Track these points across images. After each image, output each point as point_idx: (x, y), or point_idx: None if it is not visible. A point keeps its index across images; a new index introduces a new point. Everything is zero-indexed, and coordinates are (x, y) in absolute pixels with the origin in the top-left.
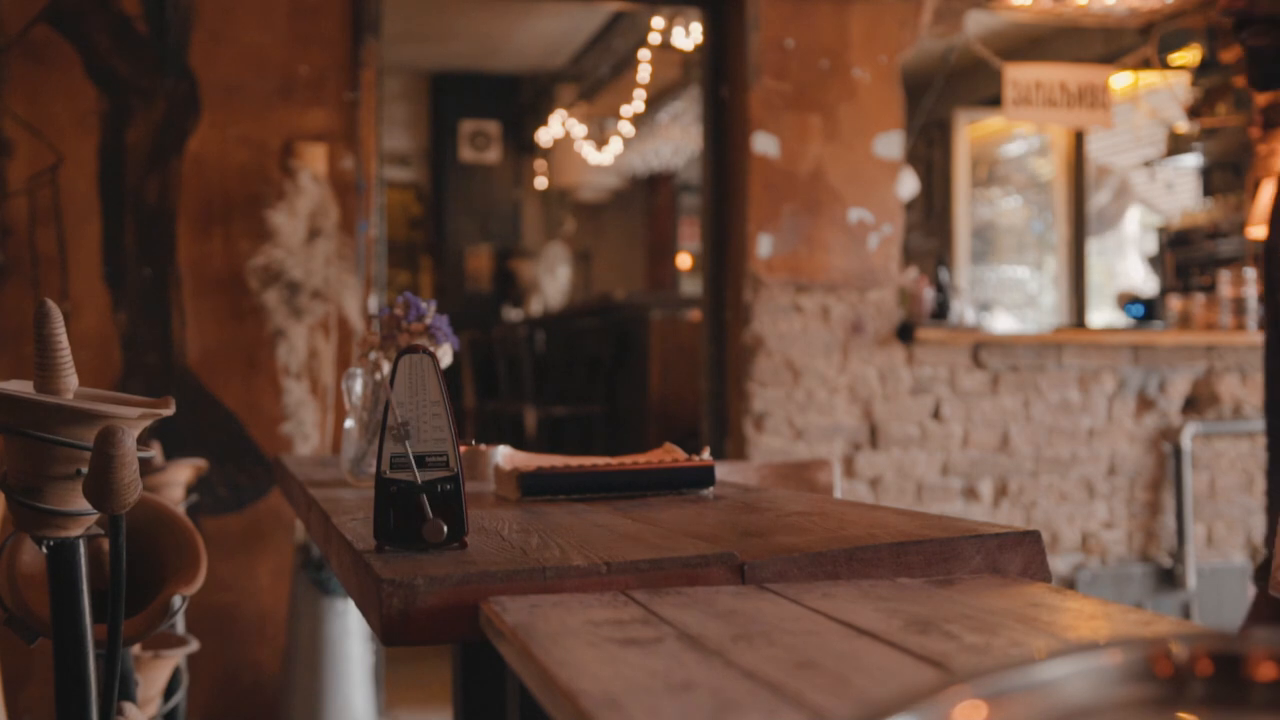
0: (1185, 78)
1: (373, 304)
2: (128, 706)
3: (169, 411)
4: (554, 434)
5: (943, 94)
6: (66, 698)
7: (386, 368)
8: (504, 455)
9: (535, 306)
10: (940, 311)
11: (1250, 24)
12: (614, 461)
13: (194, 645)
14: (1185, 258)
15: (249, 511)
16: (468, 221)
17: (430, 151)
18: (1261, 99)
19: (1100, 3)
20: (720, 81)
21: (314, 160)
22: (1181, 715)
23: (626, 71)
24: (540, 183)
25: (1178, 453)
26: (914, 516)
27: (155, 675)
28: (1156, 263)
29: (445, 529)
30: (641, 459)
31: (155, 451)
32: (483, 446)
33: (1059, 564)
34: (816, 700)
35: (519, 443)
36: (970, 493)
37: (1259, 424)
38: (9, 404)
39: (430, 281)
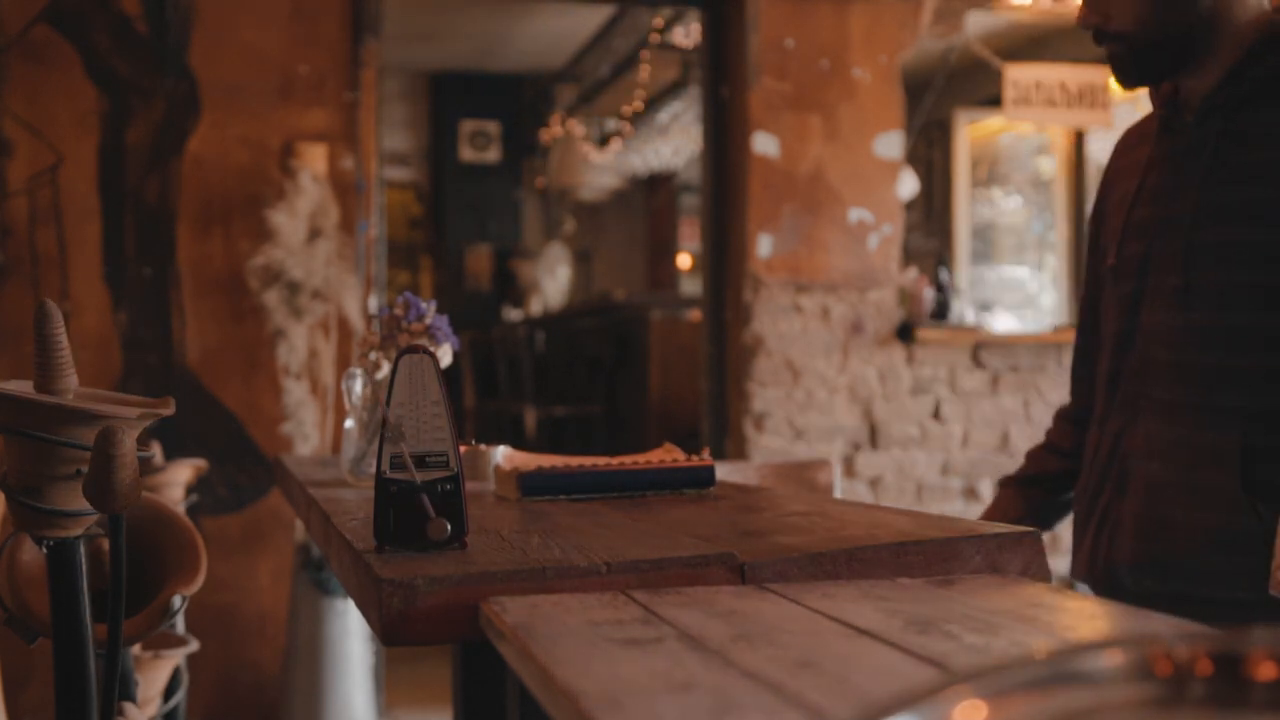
0: None
1: (373, 304)
2: (128, 706)
3: (169, 411)
4: (554, 434)
5: (943, 94)
6: (66, 698)
7: (386, 368)
8: (504, 455)
9: (535, 306)
10: (940, 311)
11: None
12: (614, 461)
13: (194, 645)
14: None
15: (249, 511)
16: (468, 221)
17: (430, 151)
18: None
19: None
20: (720, 81)
21: (314, 160)
22: None
23: (626, 71)
24: (540, 183)
25: None
26: (914, 516)
27: (155, 675)
28: None
29: (449, 527)
30: (641, 459)
31: (155, 451)
32: (483, 446)
33: (1059, 564)
34: (816, 700)
35: (519, 443)
36: (970, 493)
37: None
38: (9, 404)
39: (430, 281)
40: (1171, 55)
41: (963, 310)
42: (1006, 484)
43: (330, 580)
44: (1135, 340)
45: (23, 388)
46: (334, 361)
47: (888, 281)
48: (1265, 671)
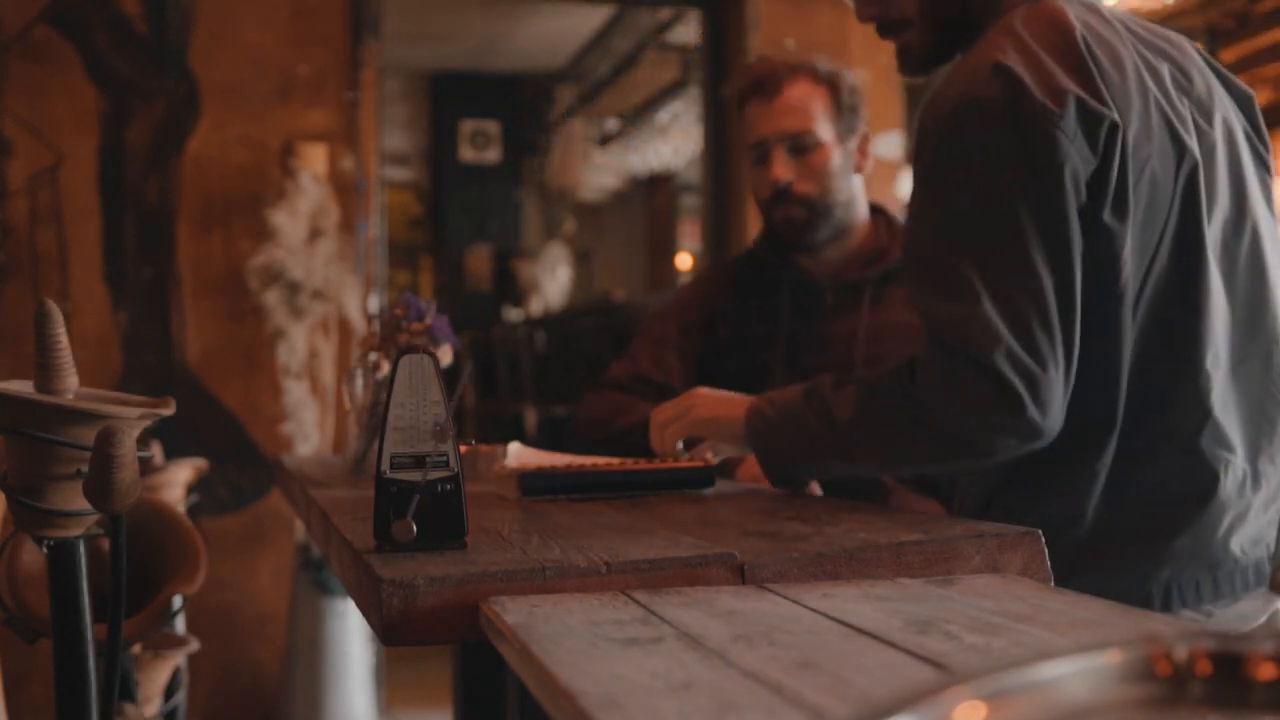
0: None
1: (373, 304)
2: (128, 706)
3: (169, 411)
4: (554, 434)
5: None
6: (66, 698)
7: (386, 368)
8: (514, 453)
9: (535, 306)
10: None
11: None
12: (614, 461)
13: (194, 645)
14: None
15: (249, 511)
16: (468, 221)
17: (430, 151)
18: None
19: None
20: (720, 81)
21: (314, 160)
22: None
23: (626, 71)
24: (540, 183)
25: None
26: (914, 516)
27: (155, 675)
28: None
29: (414, 529)
30: (642, 459)
31: (155, 451)
32: (483, 446)
33: None
34: (816, 700)
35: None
36: None
37: None
38: (9, 404)
39: (430, 281)
40: (833, 226)
41: None
42: None
43: (330, 580)
44: None
45: (23, 388)
46: (334, 361)
47: None
48: (1265, 671)
